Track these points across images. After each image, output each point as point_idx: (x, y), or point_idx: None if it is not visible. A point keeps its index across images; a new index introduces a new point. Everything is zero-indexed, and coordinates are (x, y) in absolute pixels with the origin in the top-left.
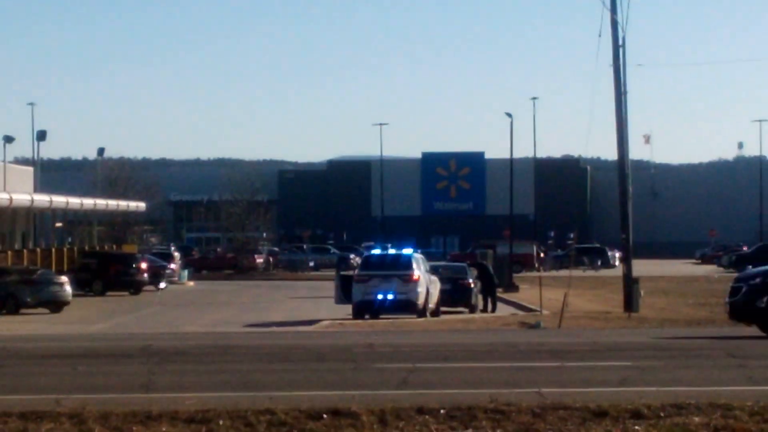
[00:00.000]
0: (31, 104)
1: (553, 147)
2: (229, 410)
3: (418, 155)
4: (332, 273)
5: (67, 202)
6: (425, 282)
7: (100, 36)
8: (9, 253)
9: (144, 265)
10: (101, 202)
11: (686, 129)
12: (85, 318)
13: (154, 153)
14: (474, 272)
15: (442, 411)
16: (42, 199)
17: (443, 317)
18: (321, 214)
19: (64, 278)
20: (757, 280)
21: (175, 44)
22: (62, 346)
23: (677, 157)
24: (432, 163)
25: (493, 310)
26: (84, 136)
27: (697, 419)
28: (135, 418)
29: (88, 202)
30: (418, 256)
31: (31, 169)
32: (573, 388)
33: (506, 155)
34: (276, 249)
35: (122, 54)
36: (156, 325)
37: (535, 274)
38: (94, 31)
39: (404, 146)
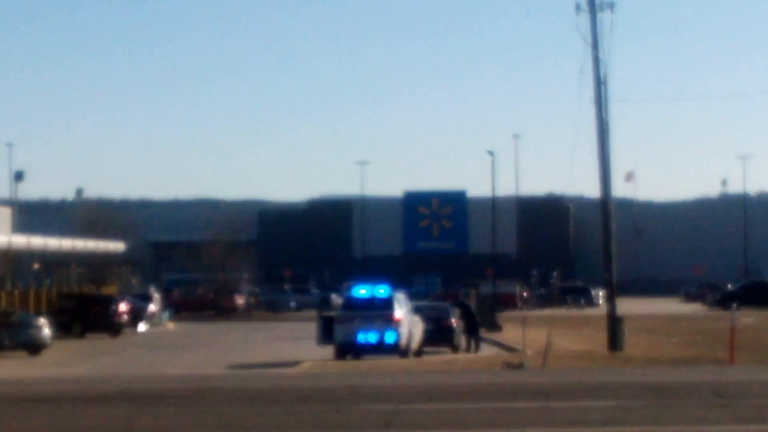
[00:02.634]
0: (9, 144)
1: (535, 184)
2: None
3: (400, 194)
4: (314, 313)
5: (46, 243)
6: (407, 322)
7: (79, 76)
8: None
9: (124, 307)
10: (80, 243)
11: (670, 166)
12: (65, 361)
13: (134, 193)
14: (457, 312)
15: None
16: (20, 240)
17: (426, 357)
18: (302, 253)
19: (42, 320)
20: None
21: (155, 84)
22: (41, 389)
23: (661, 194)
24: (414, 201)
25: (477, 350)
26: (62, 176)
27: None
28: None
29: (67, 244)
30: (401, 295)
31: (8, 209)
32: (558, 428)
33: (489, 193)
34: (257, 289)
35: (101, 94)
36: (136, 368)
37: (518, 313)
38: (73, 71)
39: (386, 185)
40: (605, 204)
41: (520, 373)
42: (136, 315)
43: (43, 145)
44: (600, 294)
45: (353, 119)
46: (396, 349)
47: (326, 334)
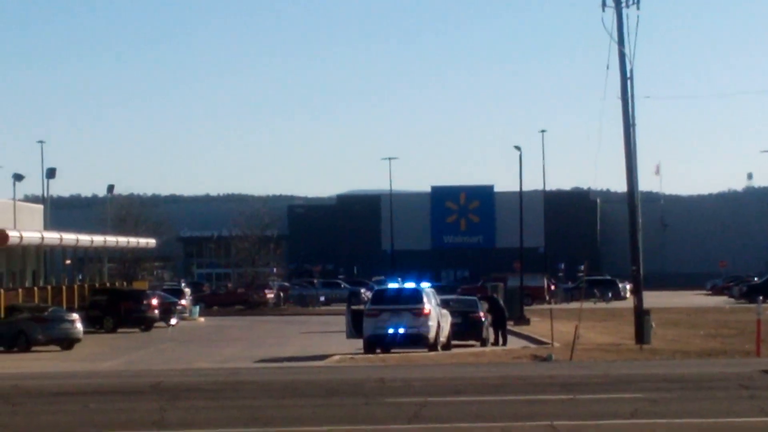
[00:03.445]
0: (41, 142)
1: (562, 179)
2: None
3: (428, 189)
4: (343, 308)
5: (77, 240)
6: (436, 316)
7: (110, 73)
8: (20, 290)
9: (155, 302)
10: (111, 239)
11: (695, 160)
12: (97, 355)
13: (164, 189)
14: (485, 305)
15: None
16: (52, 236)
17: (454, 351)
18: (331, 248)
19: (75, 315)
20: None
21: (185, 81)
22: (74, 383)
23: (686, 189)
24: (441, 196)
25: (504, 343)
26: (94, 173)
27: None
28: None
29: (98, 239)
30: (429, 290)
31: (41, 206)
32: (585, 420)
33: (516, 188)
34: (286, 284)
35: (131, 91)
36: (167, 362)
37: (545, 306)
38: (104, 68)
39: (414, 180)
40: (631, 198)
41: (547, 366)
42: (167, 310)
43: (74, 142)
44: (627, 287)
45: (381, 115)
46: (425, 343)
47: (355, 327)
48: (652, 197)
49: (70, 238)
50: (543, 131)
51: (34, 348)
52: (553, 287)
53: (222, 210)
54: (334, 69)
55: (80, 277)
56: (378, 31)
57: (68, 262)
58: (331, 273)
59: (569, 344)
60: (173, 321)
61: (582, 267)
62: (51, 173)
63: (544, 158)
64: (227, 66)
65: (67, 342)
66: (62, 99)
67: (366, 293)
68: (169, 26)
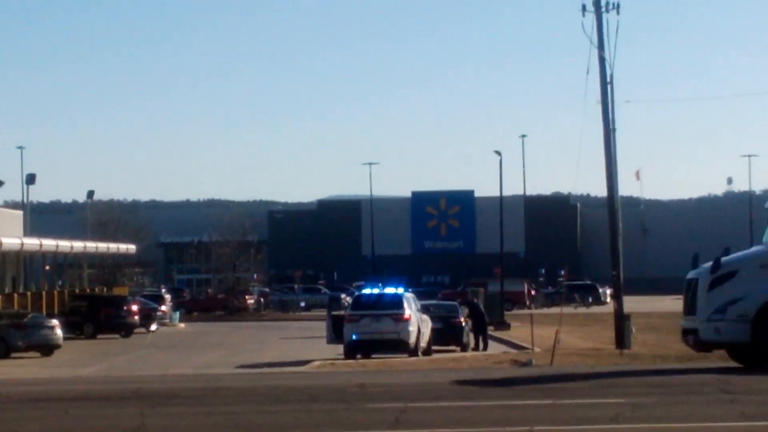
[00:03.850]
0: (21, 148)
1: (542, 184)
2: None
3: (408, 194)
4: (323, 313)
5: (57, 245)
6: (416, 321)
7: (90, 79)
8: None
9: (135, 308)
10: (91, 245)
11: (675, 165)
12: (77, 361)
13: (144, 195)
14: (465, 310)
15: None
16: (32, 242)
17: (435, 356)
18: (311, 254)
19: (54, 321)
20: None
21: (164, 87)
22: (53, 389)
23: (667, 193)
24: (422, 201)
25: (485, 348)
26: (73, 179)
27: None
28: None
29: (78, 245)
30: (409, 295)
31: (20, 212)
32: (566, 425)
33: (496, 193)
34: (267, 290)
35: (111, 97)
36: (147, 368)
37: (526, 311)
38: (84, 74)
39: (394, 185)
40: (612, 202)
41: (528, 371)
42: (147, 316)
43: (54, 148)
44: (607, 291)
45: (361, 120)
46: (405, 348)
47: (336, 333)
48: (632, 202)
49: (49, 244)
50: (523, 136)
51: (13, 354)
52: (533, 292)
53: (202, 215)
54: (314, 74)
55: (60, 283)
56: (358, 36)
57: (48, 268)
58: (312, 278)
59: (550, 349)
60: (153, 327)
61: (562, 272)
62: (31, 179)
63: (524, 163)
64: (208, 72)
65: (47, 348)
66: (42, 104)
67: (346, 299)
68: (148, 32)
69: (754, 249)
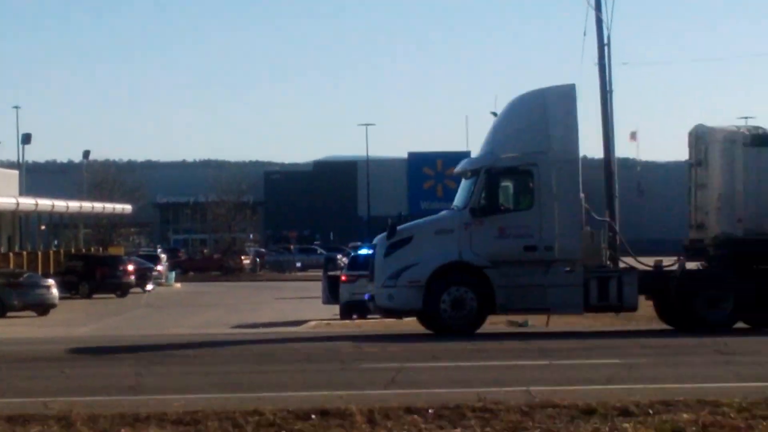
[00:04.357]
0: (16, 107)
1: None
2: (217, 411)
3: (405, 155)
4: (319, 273)
5: (53, 205)
6: None
7: (85, 38)
8: None
9: (130, 268)
10: (87, 205)
11: (672, 126)
12: (72, 321)
13: (140, 155)
14: None
15: (430, 410)
16: (27, 202)
17: None
18: (307, 214)
19: (50, 281)
20: None
21: (161, 46)
22: (49, 349)
23: (663, 155)
24: (418, 162)
25: None
26: (69, 138)
27: (685, 416)
28: (123, 421)
29: (74, 205)
30: None
31: (16, 172)
32: (561, 386)
33: None
34: (263, 250)
35: (107, 56)
36: (143, 327)
37: None
38: (79, 33)
39: (390, 146)
40: (608, 164)
41: (523, 332)
42: (143, 275)
43: (50, 107)
44: None
45: (357, 81)
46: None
47: (332, 293)
48: (628, 163)
49: (45, 203)
50: None
51: (9, 314)
52: None
53: (198, 176)
54: (311, 35)
55: (56, 242)
56: None
57: (43, 227)
58: (308, 239)
59: None
60: (149, 287)
61: None
62: (26, 139)
63: None
64: (203, 32)
65: (43, 308)
66: (37, 64)
67: (342, 259)
68: None
69: (433, 216)
